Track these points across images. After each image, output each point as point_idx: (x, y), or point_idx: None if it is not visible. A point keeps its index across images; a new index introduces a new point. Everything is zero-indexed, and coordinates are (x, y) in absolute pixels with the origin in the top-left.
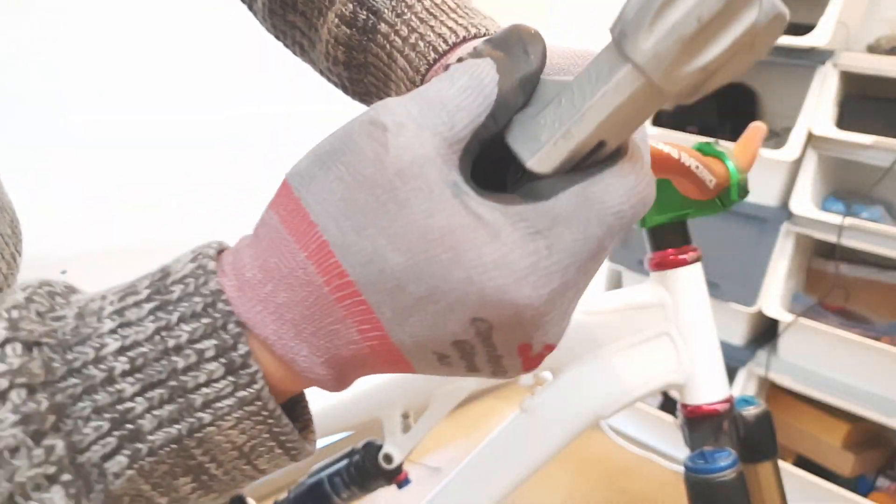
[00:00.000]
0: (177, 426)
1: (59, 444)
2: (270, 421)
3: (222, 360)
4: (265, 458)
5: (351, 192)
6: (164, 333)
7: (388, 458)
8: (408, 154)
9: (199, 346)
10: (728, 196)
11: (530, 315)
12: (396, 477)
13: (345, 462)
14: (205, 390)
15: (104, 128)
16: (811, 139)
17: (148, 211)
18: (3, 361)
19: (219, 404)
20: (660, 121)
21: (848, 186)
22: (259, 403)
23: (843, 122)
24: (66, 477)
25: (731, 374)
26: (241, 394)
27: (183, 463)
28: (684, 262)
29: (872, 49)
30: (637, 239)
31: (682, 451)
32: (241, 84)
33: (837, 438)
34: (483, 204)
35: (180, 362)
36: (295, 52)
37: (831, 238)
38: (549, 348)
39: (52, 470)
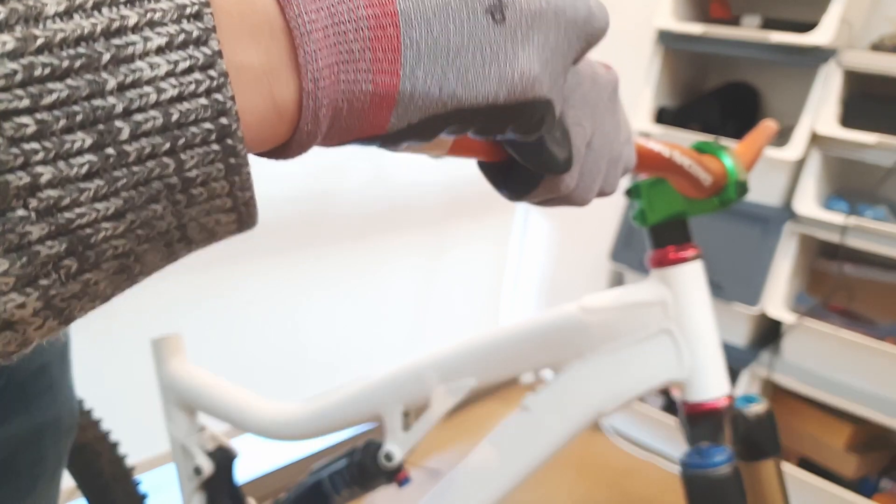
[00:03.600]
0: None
1: None
2: (214, 84)
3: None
4: (198, 155)
5: None
6: None
7: (389, 457)
8: None
9: None
10: (726, 194)
11: None
12: (397, 476)
13: (345, 461)
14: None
15: None
16: (814, 138)
17: None
18: None
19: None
20: (662, 119)
21: (852, 186)
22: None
23: (847, 120)
24: None
25: (735, 375)
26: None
27: (88, 117)
28: (684, 260)
29: (876, 47)
30: (639, 239)
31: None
32: None
33: (841, 440)
34: None
35: None
36: None
37: (835, 238)
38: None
39: None
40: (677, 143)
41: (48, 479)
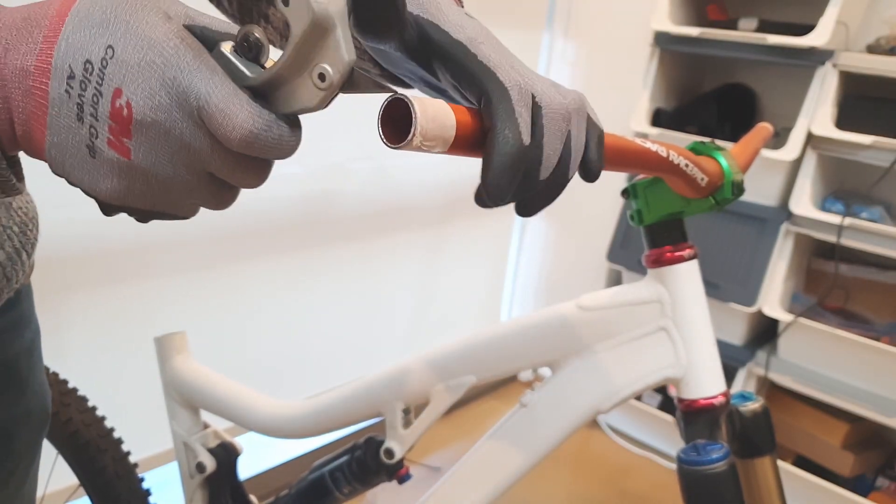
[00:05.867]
0: None
1: None
2: None
3: None
4: None
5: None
6: None
7: (390, 454)
8: None
9: None
10: (722, 194)
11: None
12: (397, 472)
13: (346, 457)
14: None
15: None
16: (811, 139)
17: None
18: None
19: None
20: (659, 121)
21: (847, 186)
22: None
23: (843, 122)
24: None
25: (731, 374)
26: None
27: None
28: (681, 259)
29: (872, 49)
30: (636, 239)
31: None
32: None
33: (837, 438)
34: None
35: None
36: None
37: (831, 238)
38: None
39: None
40: (674, 144)
41: (22, 474)
